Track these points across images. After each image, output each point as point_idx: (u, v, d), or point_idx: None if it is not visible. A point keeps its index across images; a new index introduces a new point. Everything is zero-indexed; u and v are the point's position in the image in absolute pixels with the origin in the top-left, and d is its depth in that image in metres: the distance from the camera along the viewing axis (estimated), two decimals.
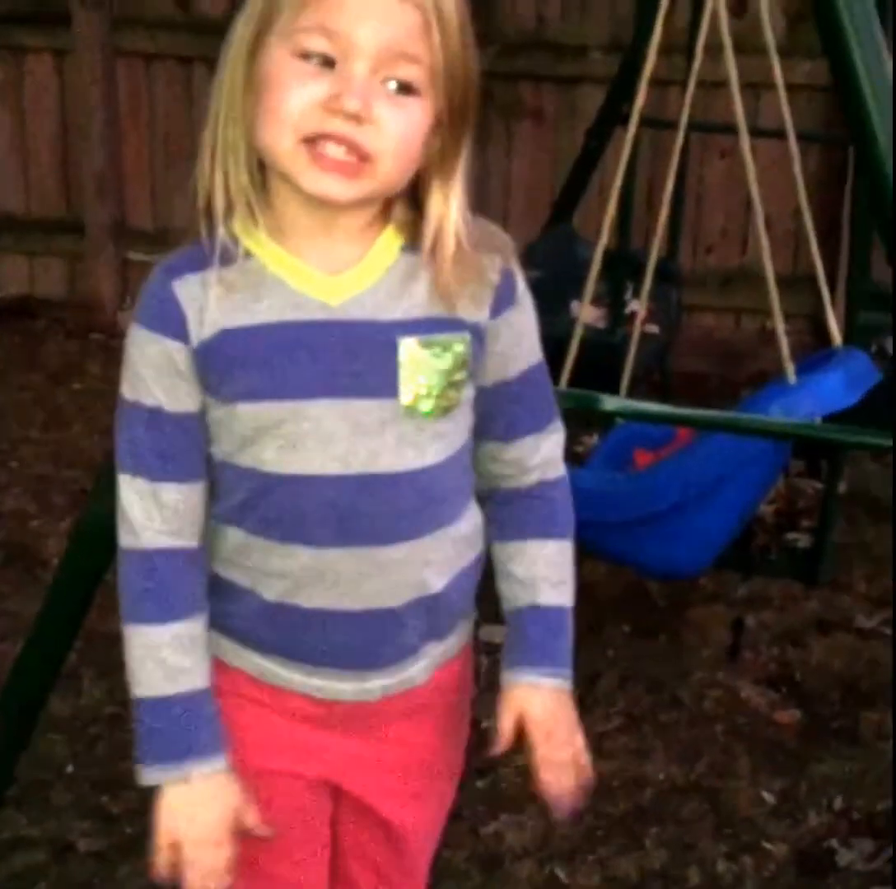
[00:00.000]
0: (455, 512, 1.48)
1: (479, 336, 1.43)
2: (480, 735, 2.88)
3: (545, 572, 1.53)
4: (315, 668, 1.48)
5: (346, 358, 1.38)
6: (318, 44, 1.29)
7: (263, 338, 1.37)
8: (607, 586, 3.44)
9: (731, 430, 2.18)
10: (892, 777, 2.65)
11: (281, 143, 1.31)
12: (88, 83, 5.06)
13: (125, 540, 1.42)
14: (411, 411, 1.39)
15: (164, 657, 1.41)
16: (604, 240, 2.83)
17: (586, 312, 3.00)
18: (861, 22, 1.85)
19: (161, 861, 1.44)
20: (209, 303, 1.36)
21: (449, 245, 1.39)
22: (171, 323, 1.37)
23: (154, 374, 1.38)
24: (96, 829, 2.56)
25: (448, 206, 1.39)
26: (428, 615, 1.48)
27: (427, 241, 1.39)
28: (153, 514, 1.40)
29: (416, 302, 1.40)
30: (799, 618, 3.37)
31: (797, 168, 3.01)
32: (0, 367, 4.85)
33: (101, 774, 2.70)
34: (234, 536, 1.45)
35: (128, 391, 1.40)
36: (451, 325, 1.41)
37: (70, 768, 2.72)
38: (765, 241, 2.79)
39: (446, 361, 1.39)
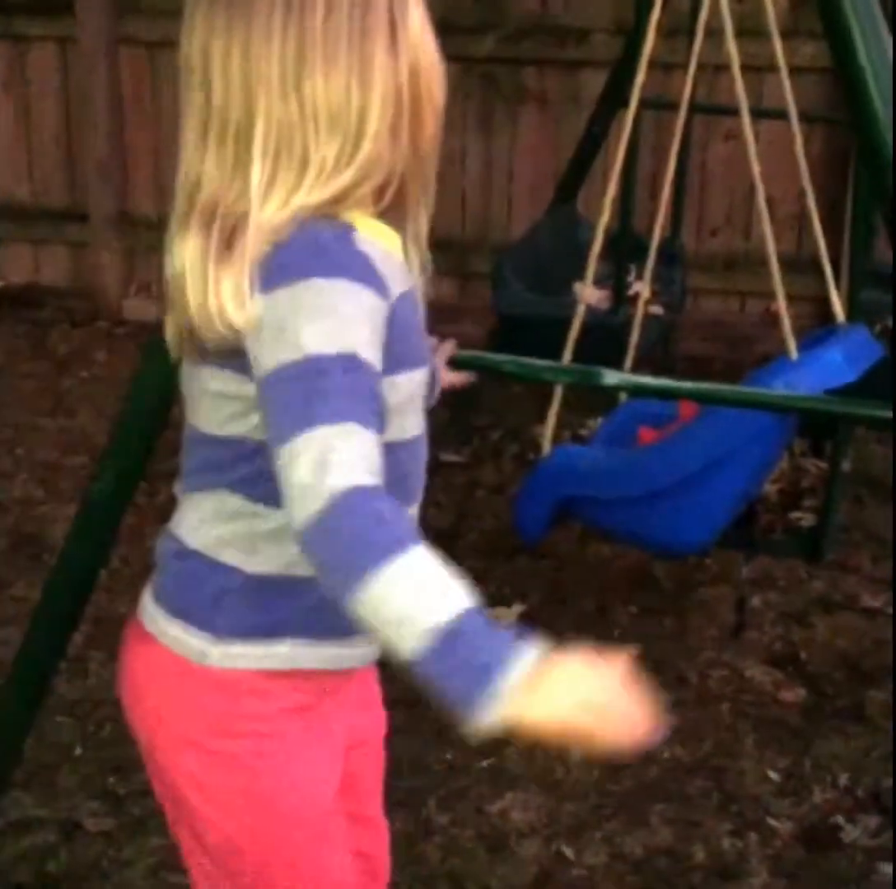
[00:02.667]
0: None
1: None
2: None
3: None
4: None
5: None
6: None
7: (413, 302, 1.41)
8: (614, 568, 3.45)
9: (732, 404, 2.19)
10: (894, 755, 2.66)
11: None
12: (91, 71, 5.07)
13: (340, 481, 1.21)
14: None
15: (435, 576, 1.21)
16: (604, 218, 2.83)
17: (588, 294, 3.01)
18: (861, 3, 1.85)
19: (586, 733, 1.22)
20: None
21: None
22: (376, 278, 1.32)
23: (363, 324, 1.29)
24: (104, 809, 2.58)
25: None
26: None
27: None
28: (363, 453, 1.24)
29: None
30: (804, 597, 3.37)
31: (799, 149, 3.01)
32: (6, 355, 4.87)
33: (109, 756, 2.72)
34: None
35: (323, 344, 1.26)
36: None
37: (78, 750, 2.74)
38: (765, 216, 2.80)
39: None
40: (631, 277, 3.69)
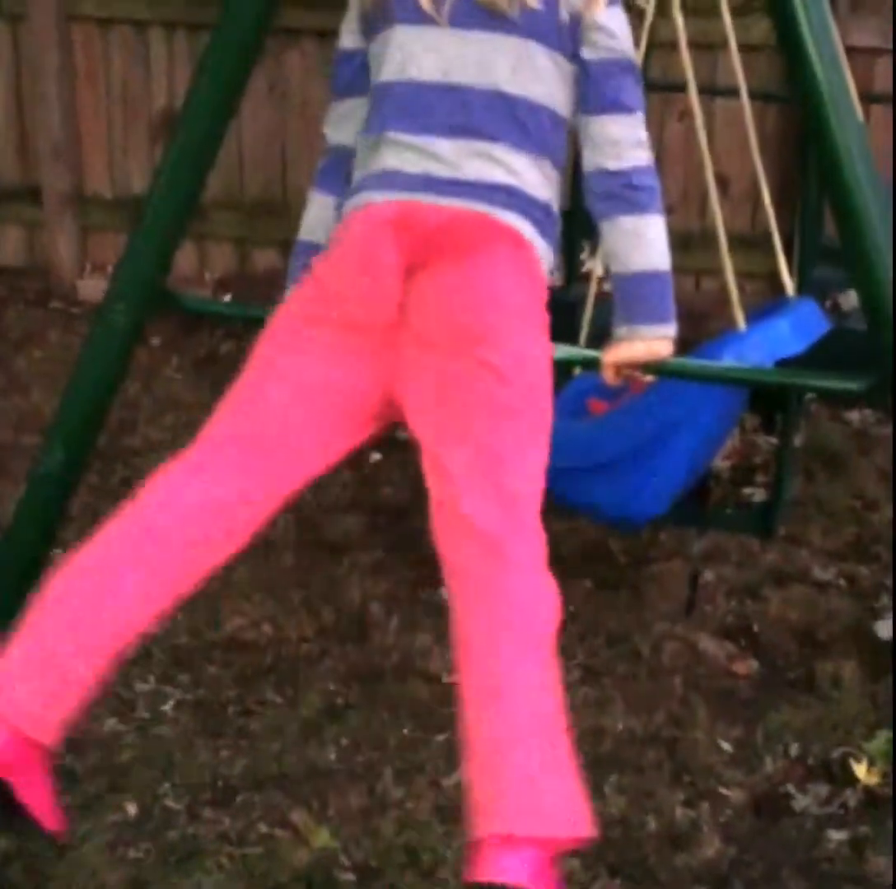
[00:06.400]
0: None
1: None
2: (444, 691, 2.91)
3: None
4: None
5: None
6: None
7: None
8: (569, 542, 3.47)
9: (694, 378, 2.21)
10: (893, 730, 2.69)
11: None
12: (43, 49, 5.03)
13: None
14: None
15: None
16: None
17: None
18: None
19: None
20: None
21: None
22: None
23: None
24: (59, 787, 2.56)
25: None
26: None
27: None
28: None
29: None
30: (756, 571, 3.41)
31: (750, 126, 3.03)
32: None
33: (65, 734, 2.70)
34: None
35: None
36: None
37: None
38: (714, 193, 2.82)
39: None
40: (584, 254, 3.71)
